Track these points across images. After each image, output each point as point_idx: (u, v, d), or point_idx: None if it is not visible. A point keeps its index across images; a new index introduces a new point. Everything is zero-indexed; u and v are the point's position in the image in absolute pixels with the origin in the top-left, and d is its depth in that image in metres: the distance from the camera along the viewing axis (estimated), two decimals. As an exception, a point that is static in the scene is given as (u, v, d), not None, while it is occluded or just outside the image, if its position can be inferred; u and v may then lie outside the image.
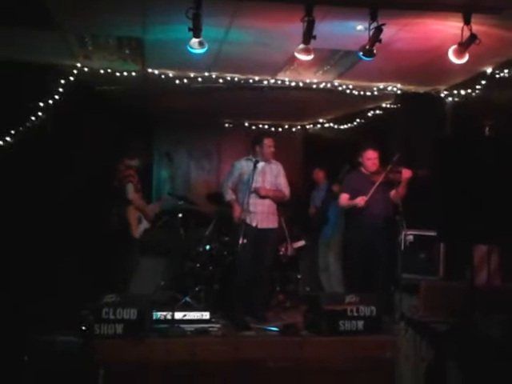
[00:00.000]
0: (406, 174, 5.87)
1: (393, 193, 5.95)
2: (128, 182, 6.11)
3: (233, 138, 9.60)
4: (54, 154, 6.13)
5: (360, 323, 5.18)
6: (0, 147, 5.88)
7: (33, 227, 5.80)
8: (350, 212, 6.17)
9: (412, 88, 6.87)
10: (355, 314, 5.19)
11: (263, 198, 5.98)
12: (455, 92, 6.55)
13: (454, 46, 4.68)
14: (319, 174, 7.95)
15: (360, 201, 5.87)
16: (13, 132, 5.93)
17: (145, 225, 6.37)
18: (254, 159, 5.90)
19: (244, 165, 6.07)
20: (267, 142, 6.04)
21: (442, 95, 6.79)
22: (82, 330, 4.81)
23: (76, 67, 6.16)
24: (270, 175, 6.09)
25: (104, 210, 6.26)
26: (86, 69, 6.19)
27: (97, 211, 6.44)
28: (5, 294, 5.19)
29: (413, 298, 5.09)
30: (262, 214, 5.97)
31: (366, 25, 4.47)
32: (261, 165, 5.94)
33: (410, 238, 5.79)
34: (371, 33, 4.47)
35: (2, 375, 4.23)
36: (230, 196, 6.10)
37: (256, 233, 5.86)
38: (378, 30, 4.38)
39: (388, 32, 4.59)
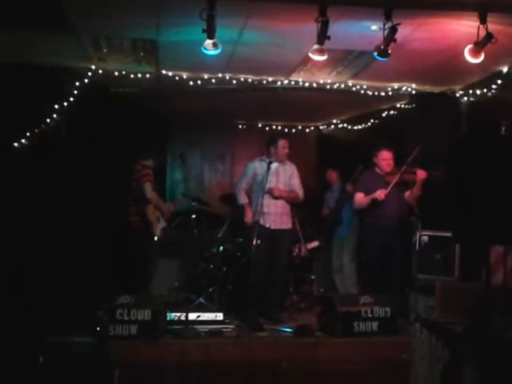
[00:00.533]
0: (421, 174, 5.84)
1: (408, 194, 5.91)
2: (146, 181, 6.17)
3: (246, 140, 9.59)
4: (69, 156, 6.16)
5: (375, 324, 5.16)
6: (16, 149, 5.93)
7: (49, 229, 5.83)
8: (365, 213, 6.14)
9: (427, 88, 6.83)
10: (370, 315, 5.16)
11: (277, 198, 5.98)
12: (471, 92, 6.50)
13: (470, 46, 4.64)
14: (332, 175, 7.93)
15: (380, 194, 5.82)
16: (28, 134, 5.98)
17: (162, 223, 6.42)
18: (267, 160, 5.91)
19: (258, 166, 6.08)
20: (282, 143, 6.04)
21: (458, 95, 6.74)
22: (96, 330, 4.83)
23: (90, 69, 6.20)
24: (284, 176, 6.09)
25: (123, 211, 6.30)
26: (100, 71, 6.22)
27: (116, 212, 6.49)
28: (20, 295, 5.23)
29: (428, 298, 5.06)
30: (275, 215, 5.97)
31: (381, 25, 4.45)
32: (274, 166, 5.94)
33: (425, 238, 5.75)
34: (386, 33, 4.45)
35: (18, 376, 4.26)
36: (243, 199, 6.12)
37: (269, 234, 5.86)
38: (393, 29, 4.35)
39: (403, 32, 4.56)
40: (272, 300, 5.99)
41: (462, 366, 3.63)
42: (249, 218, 5.96)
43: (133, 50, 5.74)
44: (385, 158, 6.08)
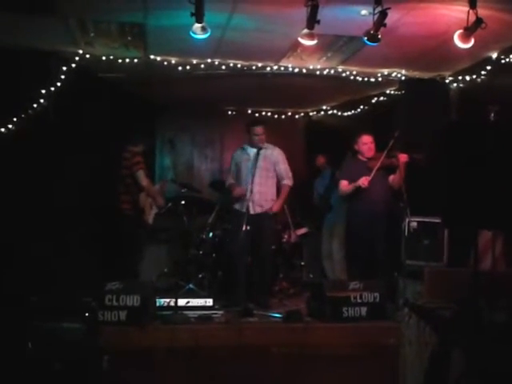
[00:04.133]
0: (403, 158, 5.85)
1: (391, 178, 5.96)
2: (138, 169, 6.14)
3: (235, 126, 9.49)
4: (56, 141, 6.10)
5: (363, 309, 5.19)
6: (2, 134, 5.86)
7: (38, 215, 5.79)
8: (350, 199, 6.16)
9: (416, 74, 6.80)
10: (359, 301, 5.19)
11: (260, 184, 5.99)
12: (460, 78, 6.49)
13: (460, 31, 4.63)
14: (321, 160, 7.95)
15: (364, 181, 5.85)
16: (15, 119, 5.91)
17: (155, 210, 6.41)
18: (247, 147, 6.08)
19: (239, 155, 6.21)
20: (254, 130, 6.09)
21: (447, 81, 6.73)
22: (85, 316, 4.82)
23: (78, 54, 6.11)
24: (266, 162, 6.10)
25: (114, 198, 6.26)
26: (87, 55, 6.14)
27: (106, 198, 6.45)
28: (9, 281, 5.20)
29: (417, 284, 5.09)
30: (259, 200, 6.01)
31: (371, 9, 4.43)
32: (254, 151, 6.02)
33: (414, 224, 5.78)
34: (376, 17, 4.42)
35: (6, 362, 4.24)
36: (228, 182, 6.28)
37: (254, 219, 5.87)
38: (383, 14, 4.33)
39: (393, 17, 4.54)
40: (259, 285, 6.01)
41: (450, 350, 3.66)
42: (239, 190, 6.02)
43: (120, 34, 5.67)
44: (365, 143, 6.12)
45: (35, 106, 6.03)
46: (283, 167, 6.18)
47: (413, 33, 5.29)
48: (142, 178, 6.17)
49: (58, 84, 6.13)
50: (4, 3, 4.80)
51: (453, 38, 4.69)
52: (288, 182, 6.19)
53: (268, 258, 6.18)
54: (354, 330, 5.06)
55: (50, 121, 6.12)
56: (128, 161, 6.19)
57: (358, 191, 5.94)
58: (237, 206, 6.11)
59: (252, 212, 5.92)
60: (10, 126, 5.88)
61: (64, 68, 6.15)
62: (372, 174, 5.86)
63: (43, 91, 6.06)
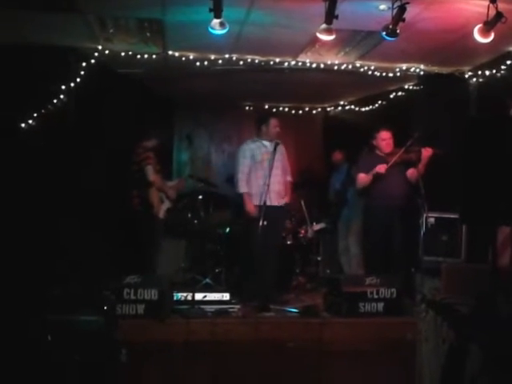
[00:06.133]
0: (427, 152, 5.83)
1: (410, 171, 5.95)
2: (147, 164, 6.20)
3: (253, 121, 9.52)
4: (75, 137, 6.16)
5: (380, 305, 5.19)
6: (22, 130, 5.93)
7: (57, 208, 5.86)
8: (368, 194, 6.15)
9: (435, 69, 6.74)
10: (375, 296, 5.19)
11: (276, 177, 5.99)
12: (480, 73, 6.41)
13: (480, 25, 4.58)
14: (338, 156, 7.94)
15: (380, 168, 5.85)
16: (35, 115, 5.97)
17: (167, 204, 6.46)
18: (259, 140, 6.08)
19: (254, 147, 6.16)
20: (273, 121, 6.12)
21: (466, 76, 6.66)
22: (104, 309, 4.87)
23: (97, 50, 6.15)
24: (280, 155, 6.14)
25: (126, 193, 6.32)
26: (107, 51, 6.17)
27: (119, 194, 6.51)
28: (28, 274, 5.27)
29: (434, 280, 5.07)
30: (278, 193, 6.06)
31: (389, 4, 4.41)
32: (270, 144, 6.04)
33: (432, 220, 5.75)
34: (394, 12, 4.40)
35: (26, 354, 4.30)
36: (243, 189, 6.08)
37: (272, 212, 5.85)
38: (402, 8, 4.30)
39: (411, 11, 4.51)
40: (271, 279, 5.96)
41: (468, 346, 3.64)
42: (252, 208, 5.96)
43: (139, 30, 5.69)
44: (384, 138, 6.13)
45: (55, 101, 6.09)
46: (287, 163, 6.23)
47: (432, 27, 5.24)
48: (150, 173, 6.24)
49: (78, 80, 6.19)
50: (22, 1, 4.85)
51: (472, 32, 4.64)
52: (290, 178, 6.31)
53: (278, 251, 6.18)
54: (371, 326, 5.06)
55: (70, 116, 6.19)
56: (138, 156, 6.27)
57: (376, 180, 5.93)
58: (256, 201, 6.04)
59: (274, 204, 5.94)
60: (30, 122, 5.95)
61: (83, 64, 6.21)
62: (390, 163, 5.86)
63: (63, 87, 6.12)
